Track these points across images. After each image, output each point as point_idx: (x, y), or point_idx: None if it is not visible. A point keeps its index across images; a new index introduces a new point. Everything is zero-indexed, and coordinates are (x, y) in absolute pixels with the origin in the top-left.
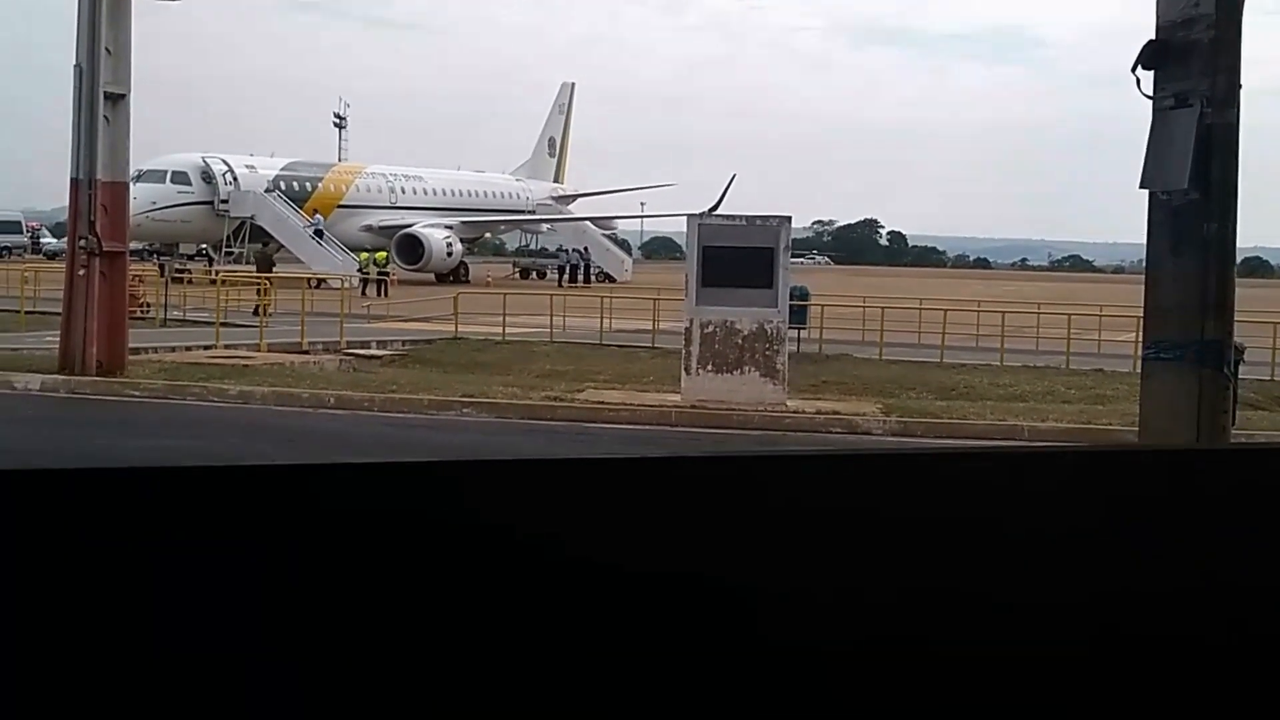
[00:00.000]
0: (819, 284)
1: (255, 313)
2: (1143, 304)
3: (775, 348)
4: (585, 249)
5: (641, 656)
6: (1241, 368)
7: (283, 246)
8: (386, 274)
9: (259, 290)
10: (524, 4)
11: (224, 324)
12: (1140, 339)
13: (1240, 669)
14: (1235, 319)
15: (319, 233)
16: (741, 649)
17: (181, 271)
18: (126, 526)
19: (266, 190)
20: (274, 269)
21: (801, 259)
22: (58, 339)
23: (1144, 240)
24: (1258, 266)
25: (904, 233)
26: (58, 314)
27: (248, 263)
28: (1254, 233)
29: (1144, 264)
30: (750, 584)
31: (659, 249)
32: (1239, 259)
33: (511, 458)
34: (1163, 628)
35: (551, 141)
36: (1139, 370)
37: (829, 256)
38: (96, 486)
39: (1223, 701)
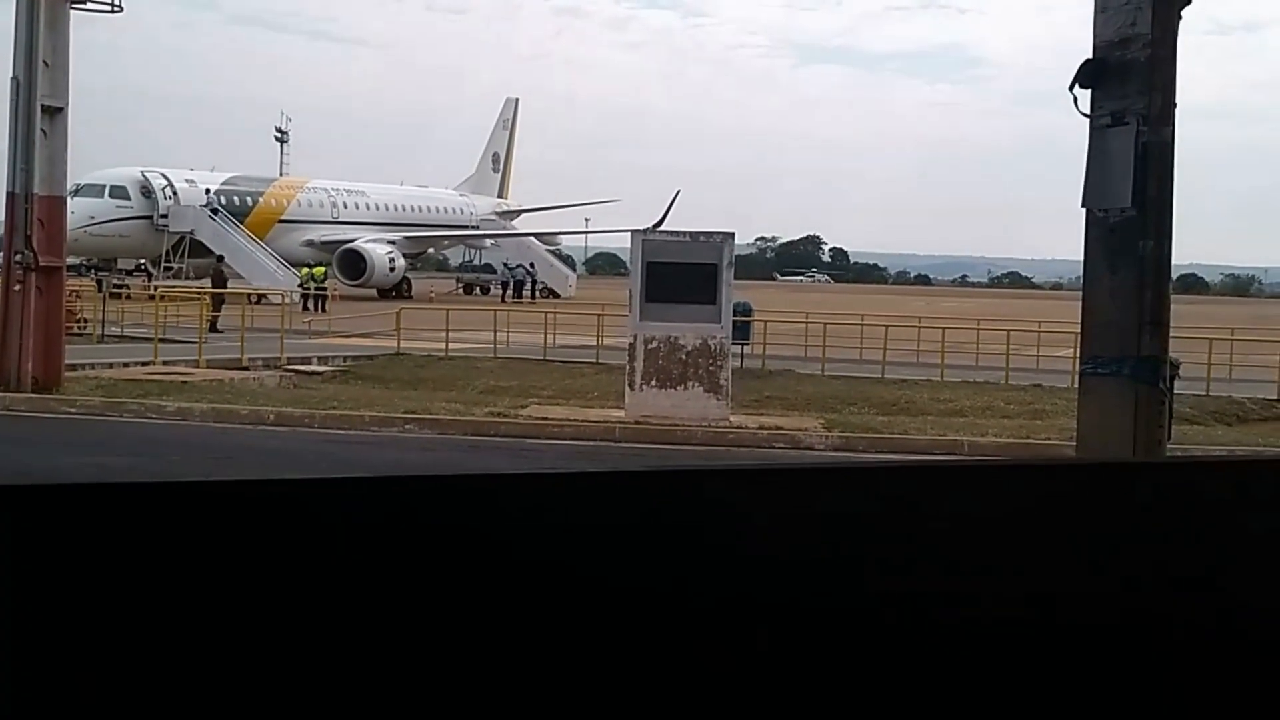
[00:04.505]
0: (762, 300)
1: (213, 329)
2: (1080, 320)
3: (719, 363)
4: (533, 264)
5: (579, 670)
6: (1176, 383)
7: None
8: (324, 289)
9: (211, 304)
10: (468, 20)
11: (163, 340)
12: (1078, 354)
13: (1177, 678)
14: (1171, 335)
15: (214, 211)
16: (683, 660)
17: (120, 287)
18: (62, 543)
19: (205, 205)
20: (228, 284)
21: (800, 276)
22: None
23: (1081, 257)
24: (1193, 283)
25: (846, 249)
26: None
27: (188, 278)
28: (1189, 250)
29: (1081, 280)
30: (691, 595)
31: (603, 265)
32: (1174, 275)
33: (453, 473)
34: (1101, 639)
35: (495, 157)
36: (1077, 385)
37: (829, 275)
38: (32, 503)
39: (1162, 710)
